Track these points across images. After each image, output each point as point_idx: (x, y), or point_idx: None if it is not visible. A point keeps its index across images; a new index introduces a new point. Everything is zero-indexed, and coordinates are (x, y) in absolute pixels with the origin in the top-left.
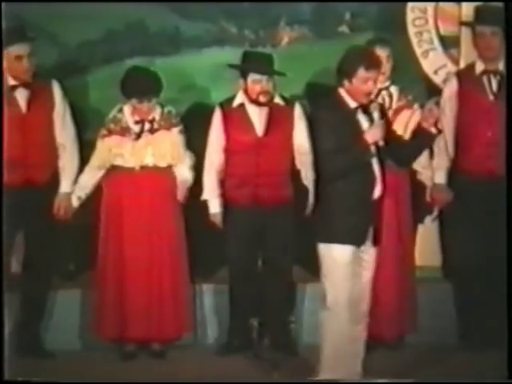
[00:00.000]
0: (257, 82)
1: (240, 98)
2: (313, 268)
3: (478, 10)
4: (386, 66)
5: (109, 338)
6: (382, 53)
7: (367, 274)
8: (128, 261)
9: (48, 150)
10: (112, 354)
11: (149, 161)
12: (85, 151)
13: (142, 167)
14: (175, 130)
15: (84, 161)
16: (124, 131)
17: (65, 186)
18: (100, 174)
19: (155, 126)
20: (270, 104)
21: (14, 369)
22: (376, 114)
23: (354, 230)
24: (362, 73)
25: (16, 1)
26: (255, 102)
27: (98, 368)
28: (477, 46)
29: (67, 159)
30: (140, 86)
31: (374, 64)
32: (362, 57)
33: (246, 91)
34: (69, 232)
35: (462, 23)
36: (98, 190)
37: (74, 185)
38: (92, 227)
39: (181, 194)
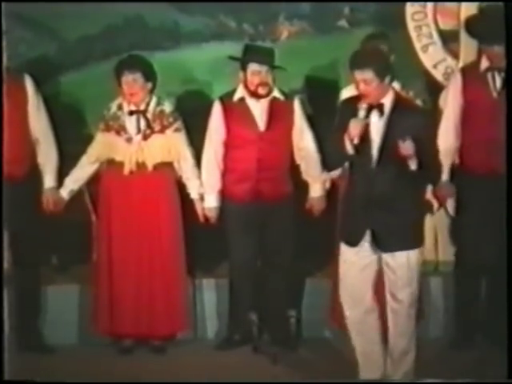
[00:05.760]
0: (256, 73)
1: (240, 92)
2: (313, 263)
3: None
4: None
5: (104, 333)
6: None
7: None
8: (116, 257)
9: (24, 144)
10: (110, 348)
11: (140, 161)
12: (83, 146)
13: (135, 165)
14: (169, 131)
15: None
16: (119, 130)
17: (49, 181)
18: (95, 167)
19: (148, 131)
20: (268, 96)
21: (13, 365)
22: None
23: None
24: None
25: (16, 0)
26: (254, 94)
27: (96, 363)
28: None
29: (45, 154)
30: (125, 61)
31: None
32: None
33: (245, 84)
34: (56, 226)
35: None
36: (89, 183)
37: (58, 178)
38: (80, 221)
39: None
